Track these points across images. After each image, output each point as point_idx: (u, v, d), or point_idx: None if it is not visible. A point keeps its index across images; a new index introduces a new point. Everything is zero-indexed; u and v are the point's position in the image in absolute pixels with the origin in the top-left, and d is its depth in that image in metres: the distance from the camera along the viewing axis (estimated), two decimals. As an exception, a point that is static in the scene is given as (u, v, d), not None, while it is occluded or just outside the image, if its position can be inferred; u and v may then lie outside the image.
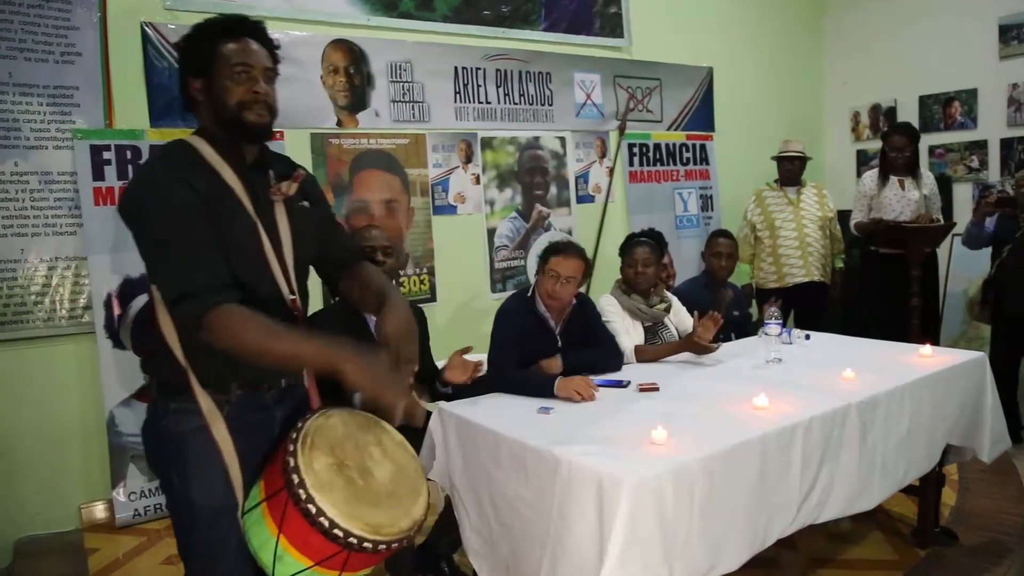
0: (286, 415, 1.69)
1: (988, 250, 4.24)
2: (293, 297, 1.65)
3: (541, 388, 2.51)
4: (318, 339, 1.50)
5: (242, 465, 1.55)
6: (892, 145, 4.46)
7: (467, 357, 2.64)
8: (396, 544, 1.50)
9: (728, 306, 3.59)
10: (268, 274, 1.60)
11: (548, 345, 2.76)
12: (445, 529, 2.56)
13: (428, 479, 2.40)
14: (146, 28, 3.43)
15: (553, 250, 2.77)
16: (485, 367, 2.74)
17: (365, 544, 1.43)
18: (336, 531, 1.41)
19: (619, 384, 2.59)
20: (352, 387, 1.45)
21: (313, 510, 1.41)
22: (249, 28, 1.61)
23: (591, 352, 2.81)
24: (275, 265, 1.60)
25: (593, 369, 2.73)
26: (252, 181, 1.61)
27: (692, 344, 2.94)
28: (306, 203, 1.74)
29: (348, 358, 1.44)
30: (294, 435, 1.50)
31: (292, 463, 1.45)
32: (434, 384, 2.71)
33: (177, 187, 1.48)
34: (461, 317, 4.37)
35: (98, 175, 3.31)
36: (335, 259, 1.84)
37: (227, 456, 1.54)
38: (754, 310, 4.65)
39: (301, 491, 1.42)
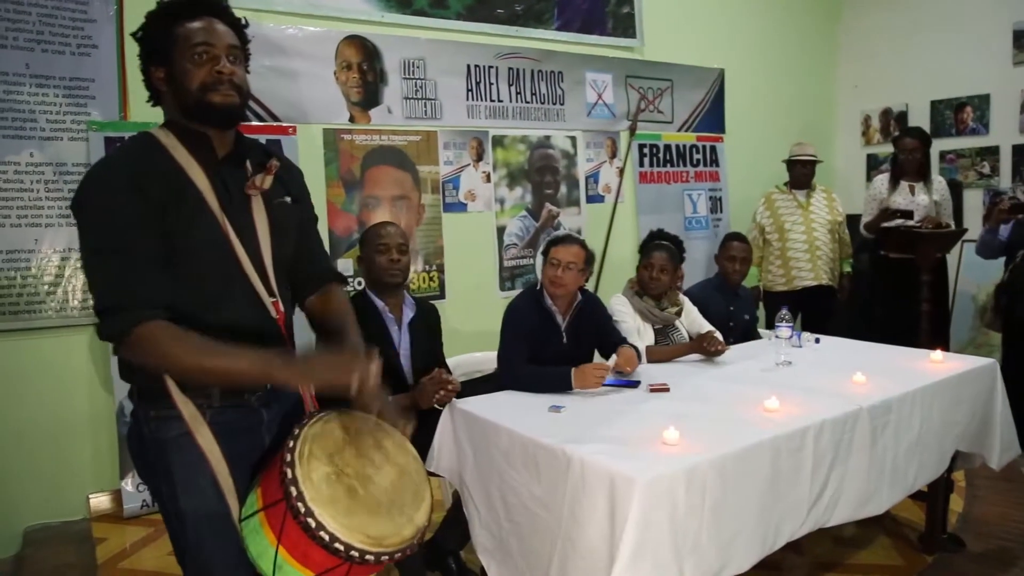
0: (277, 415, 1.63)
1: (977, 253, 4.24)
2: (274, 299, 1.57)
3: (556, 382, 2.51)
4: (250, 353, 1.42)
5: (231, 469, 1.50)
6: (902, 147, 4.47)
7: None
8: (399, 554, 1.47)
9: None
10: (241, 275, 1.52)
11: (553, 339, 2.78)
12: (453, 525, 2.56)
13: (437, 475, 2.42)
14: (162, 21, 3.45)
15: (552, 242, 2.86)
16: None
17: (367, 556, 1.41)
18: (337, 545, 1.38)
19: (630, 384, 2.60)
20: (296, 390, 1.44)
21: (312, 524, 1.37)
22: (209, 6, 1.51)
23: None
24: (248, 266, 1.52)
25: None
26: (224, 176, 1.52)
27: (700, 347, 2.95)
28: (288, 199, 1.65)
29: (281, 367, 1.43)
30: (291, 443, 1.45)
31: (290, 475, 1.40)
32: None
33: (125, 192, 1.39)
34: (470, 314, 4.37)
35: (112, 167, 3.32)
36: (309, 274, 1.74)
37: (214, 462, 1.48)
38: (761, 313, 4.65)
39: (300, 504, 1.38)
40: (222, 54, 1.49)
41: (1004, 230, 4.04)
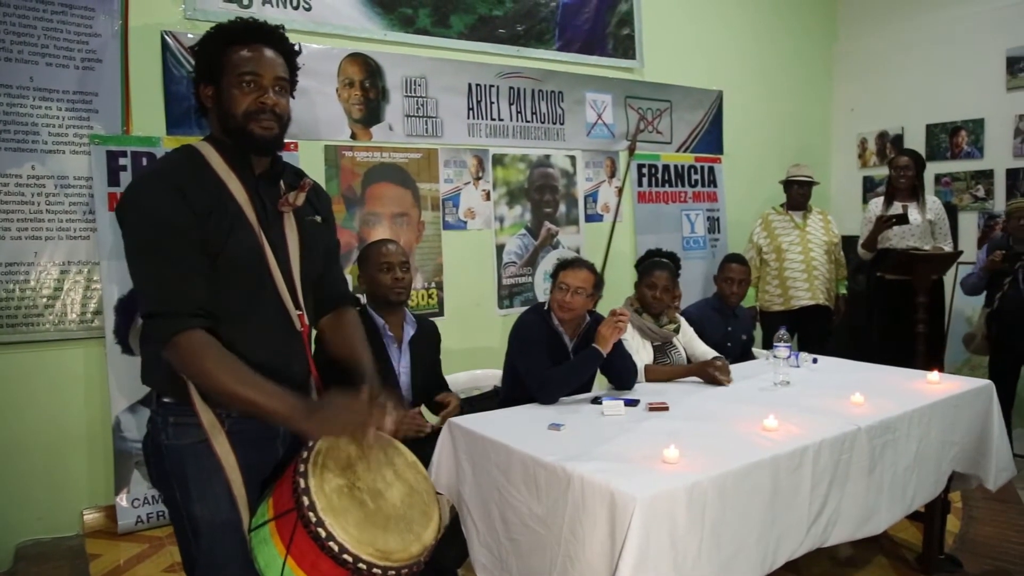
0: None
1: (964, 292, 4.38)
2: (300, 312, 1.62)
3: (587, 362, 2.66)
4: (280, 394, 1.45)
5: (245, 479, 1.52)
6: (895, 165, 4.56)
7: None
8: (406, 570, 1.48)
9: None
10: (272, 287, 1.56)
11: (560, 359, 2.78)
12: (451, 542, 2.54)
13: (437, 493, 2.41)
14: (166, 37, 3.47)
15: (561, 265, 2.87)
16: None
17: (375, 570, 1.42)
18: (346, 556, 1.39)
19: (629, 403, 2.60)
20: (316, 439, 1.48)
21: (323, 534, 1.39)
22: (263, 34, 1.57)
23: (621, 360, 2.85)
24: (279, 279, 1.57)
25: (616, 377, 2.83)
26: (261, 192, 1.58)
27: (704, 373, 2.95)
28: (318, 217, 1.72)
29: (305, 418, 1.46)
30: (305, 454, 1.48)
31: (303, 484, 1.42)
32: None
33: (171, 199, 1.45)
34: (468, 332, 4.37)
35: (113, 180, 3.33)
36: (326, 295, 1.79)
37: (229, 470, 1.50)
38: (758, 332, 4.66)
39: (311, 514, 1.39)
40: (269, 85, 1.54)
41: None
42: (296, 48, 1.64)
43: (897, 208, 4.48)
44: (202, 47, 1.58)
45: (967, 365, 5.18)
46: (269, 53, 1.56)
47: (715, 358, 3.04)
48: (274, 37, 1.58)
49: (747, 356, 3.70)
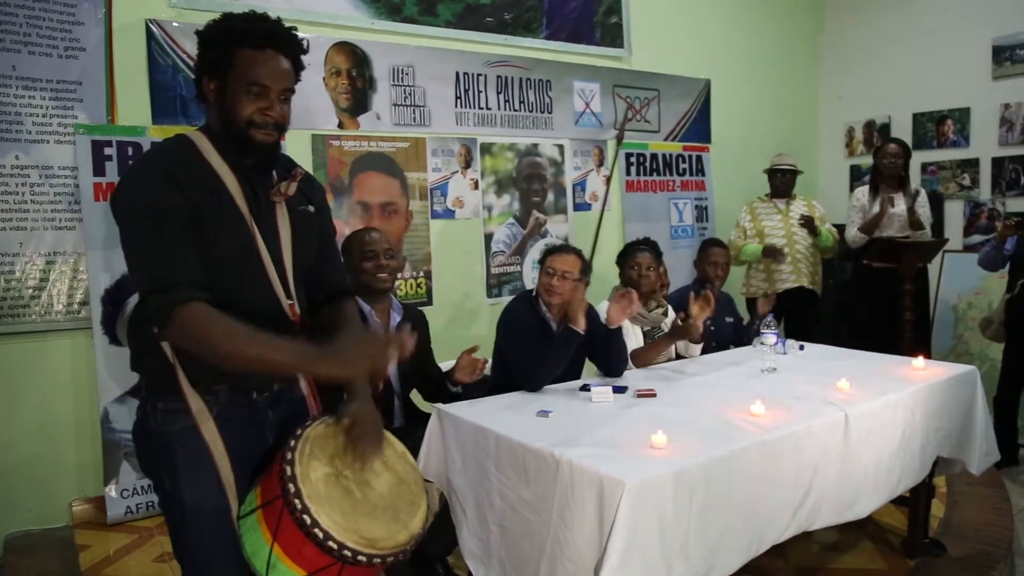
0: (281, 418, 1.66)
1: (980, 265, 4.31)
2: (291, 302, 1.62)
3: (565, 340, 2.64)
4: (289, 345, 1.47)
5: (233, 466, 1.53)
6: (884, 153, 4.58)
7: (474, 356, 2.68)
8: (392, 558, 1.49)
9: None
10: (263, 277, 1.57)
11: (546, 346, 2.78)
12: (440, 530, 2.55)
13: (426, 480, 2.41)
14: (150, 25, 3.43)
15: (549, 252, 2.89)
16: (489, 366, 2.78)
17: (359, 557, 1.43)
18: (330, 543, 1.40)
19: (617, 389, 2.61)
20: (333, 382, 1.49)
21: (308, 521, 1.40)
22: (277, 39, 1.53)
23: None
24: (271, 268, 1.57)
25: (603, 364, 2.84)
26: (253, 182, 1.58)
27: (681, 331, 2.98)
28: (310, 207, 1.71)
29: (318, 360, 1.46)
30: (293, 442, 1.48)
31: (289, 472, 1.43)
32: (444, 385, 2.72)
33: (163, 186, 1.45)
34: (457, 321, 4.38)
35: (99, 170, 3.30)
36: (324, 287, 1.77)
37: (217, 457, 1.51)
38: (746, 316, 4.68)
39: (297, 501, 1.41)
40: (275, 97, 1.53)
41: (1009, 242, 4.10)
42: (305, 46, 1.61)
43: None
44: (210, 39, 1.54)
45: (953, 352, 5.24)
46: (280, 61, 1.54)
47: (678, 315, 3.05)
48: (287, 42, 1.55)
49: (738, 340, 3.72)
